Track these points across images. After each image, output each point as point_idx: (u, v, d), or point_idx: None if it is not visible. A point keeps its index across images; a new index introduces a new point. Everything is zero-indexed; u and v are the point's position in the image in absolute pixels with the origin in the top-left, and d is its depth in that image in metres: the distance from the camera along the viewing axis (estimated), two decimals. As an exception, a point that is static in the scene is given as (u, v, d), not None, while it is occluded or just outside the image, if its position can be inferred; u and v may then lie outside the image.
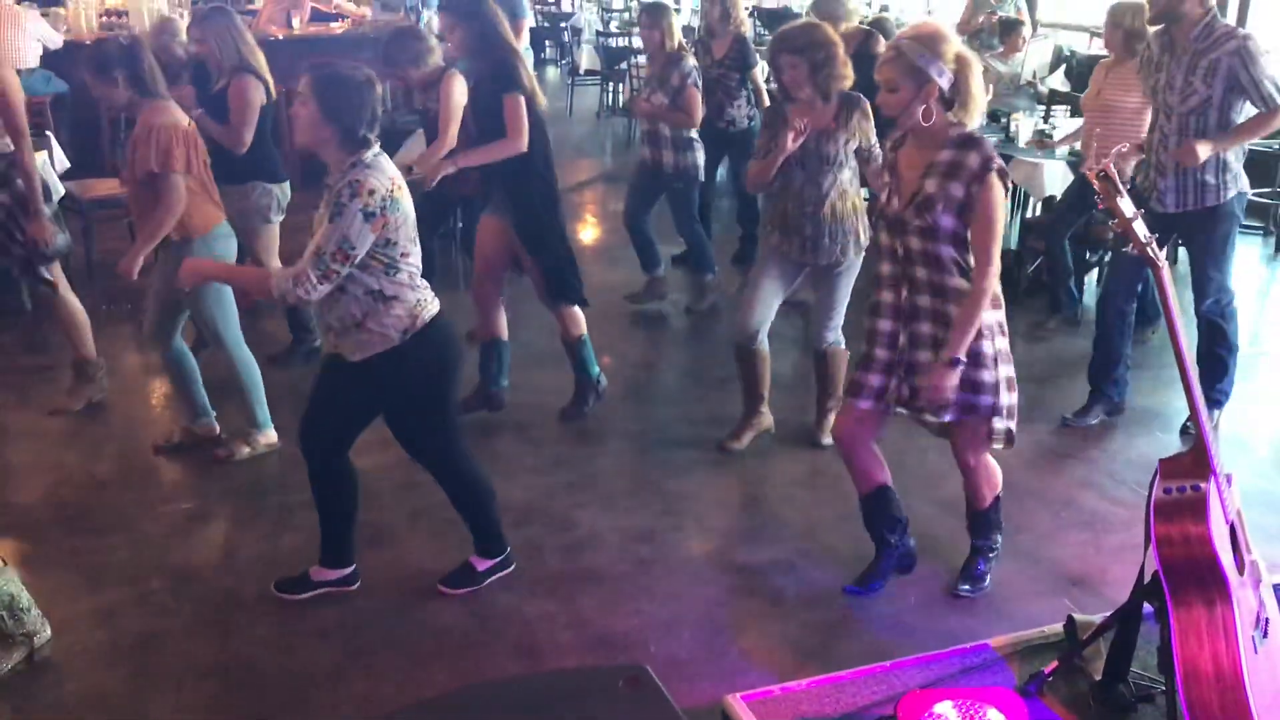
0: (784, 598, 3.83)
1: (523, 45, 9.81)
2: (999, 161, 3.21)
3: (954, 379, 3.29)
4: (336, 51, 8.30)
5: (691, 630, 3.62)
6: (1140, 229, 2.65)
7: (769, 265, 4.66)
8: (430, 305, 3.48)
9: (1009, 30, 8.54)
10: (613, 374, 5.67)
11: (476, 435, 4.95)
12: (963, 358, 3.29)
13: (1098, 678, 2.90)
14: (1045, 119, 7.36)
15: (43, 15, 8.91)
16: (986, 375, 3.37)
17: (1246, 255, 8.14)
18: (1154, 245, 2.68)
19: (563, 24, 15.29)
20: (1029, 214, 7.72)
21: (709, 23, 6.97)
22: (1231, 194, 4.74)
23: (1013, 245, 7.41)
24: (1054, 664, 2.94)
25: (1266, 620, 2.71)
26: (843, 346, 4.79)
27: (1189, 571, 2.55)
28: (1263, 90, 4.49)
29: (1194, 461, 2.64)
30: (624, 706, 2.46)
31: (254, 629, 3.61)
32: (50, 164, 5.96)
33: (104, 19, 9.66)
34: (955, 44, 3.24)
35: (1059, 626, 3.23)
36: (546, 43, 15.54)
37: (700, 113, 6.23)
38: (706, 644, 3.56)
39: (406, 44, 5.49)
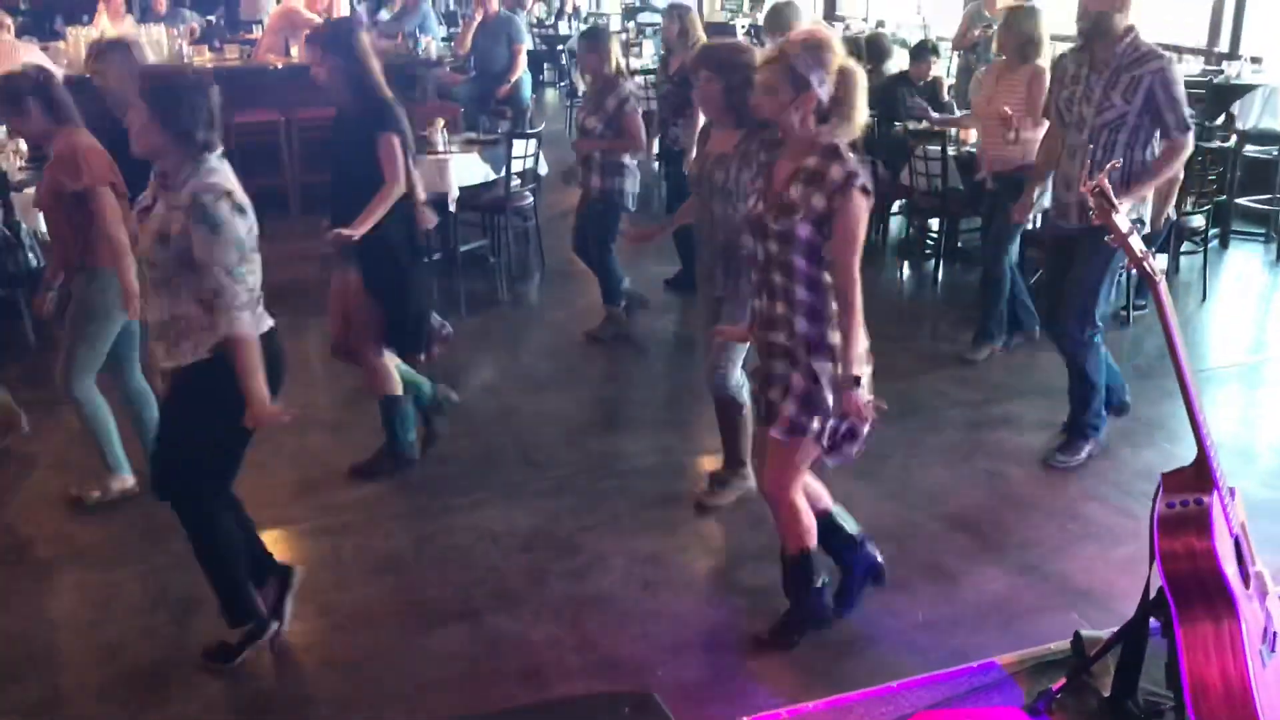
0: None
1: (520, 70, 9.91)
2: (863, 179, 3.11)
3: (860, 396, 3.18)
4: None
5: (699, 653, 3.61)
6: (1136, 243, 2.65)
7: (706, 304, 4.38)
8: (263, 321, 3.32)
9: (991, 45, 8.52)
10: (615, 398, 5.68)
11: (481, 462, 4.97)
12: (858, 373, 3.18)
13: (1106, 694, 2.89)
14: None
15: (42, 49, 8.97)
16: (822, 393, 3.26)
17: (1248, 262, 8.14)
18: (1150, 260, 2.67)
19: (560, 47, 15.35)
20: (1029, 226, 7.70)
21: (667, 39, 6.96)
22: (1131, 217, 4.60)
23: (1014, 259, 7.40)
24: (1062, 681, 2.92)
25: (1274, 634, 2.70)
26: (743, 399, 4.39)
27: (1194, 586, 2.53)
28: (1177, 113, 4.44)
29: (1196, 475, 2.63)
30: (631, 733, 2.46)
31: (260, 659, 3.60)
32: None
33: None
34: (841, 56, 3.15)
35: (1066, 643, 3.21)
36: (545, 65, 15.62)
37: (643, 136, 6.10)
38: (714, 666, 3.54)
39: None
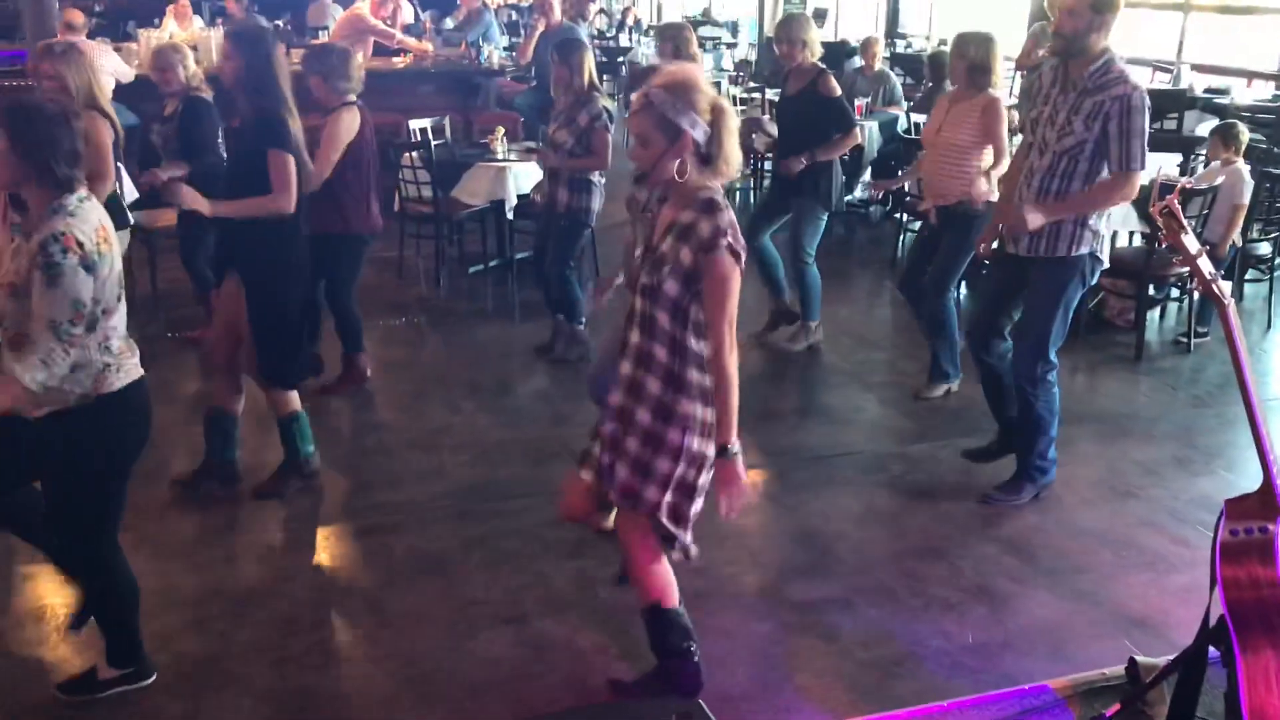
0: (839, 635, 3.79)
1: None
2: (730, 239, 2.89)
3: (737, 468, 3.02)
4: (397, 85, 8.45)
5: (745, 666, 3.60)
6: (1205, 266, 2.62)
7: (613, 316, 4.22)
8: (123, 373, 3.16)
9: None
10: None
11: (530, 464, 4.99)
12: (734, 447, 3.01)
13: (1161, 723, 2.84)
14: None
15: (115, 50, 9.16)
16: (664, 466, 3.05)
17: None
18: (1220, 282, 2.64)
19: (620, 59, 15.42)
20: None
21: (662, 58, 6.88)
22: (1084, 250, 4.35)
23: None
24: (1116, 707, 2.88)
25: (1337, 667, 2.64)
26: None
27: (1257, 616, 2.49)
28: (1126, 147, 4.13)
29: (1261, 502, 2.58)
30: (677, 741, 2.46)
31: (309, 656, 3.64)
32: (121, 195, 6.10)
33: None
34: (709, 94, 2.94)
35: (1120, 669, 3.16)
36: (604, 77, 15.68)
37: (609, 155, 5.95)
38: (760, 680, 3.53)
39: (326, 58, 5.32)
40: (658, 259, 2.98)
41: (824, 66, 6.20)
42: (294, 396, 4.64)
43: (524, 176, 7.41)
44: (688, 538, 3.16)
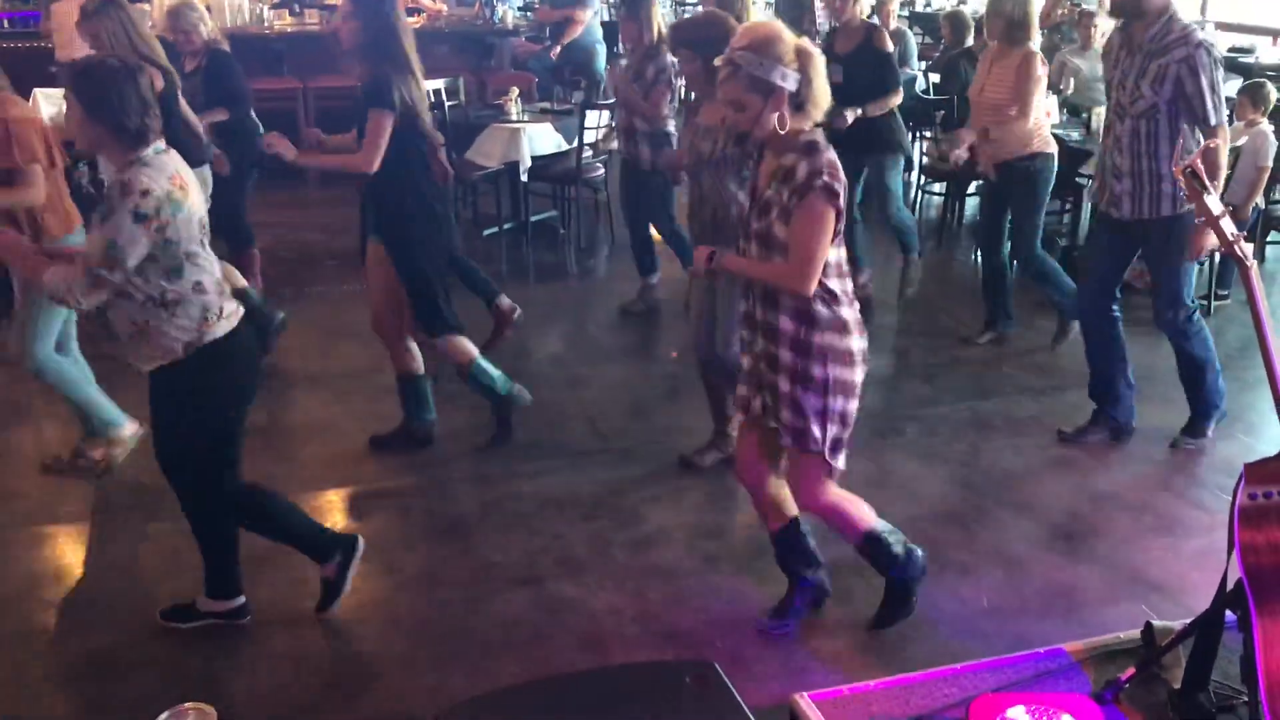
0: (852, 597, 3.79)
1: (576, 33, 9.71)
2: (826, 178, 2.94)
3: (702, 260, 3.22)
4: (412, 46, 8.36)
5: (758, 628, 3.60)
6: (1228, 227, 2.58)
7: (698, 278, 4.39)
8: (224, 319, 3.26)
9: (1080, 22, 8.32)
10: (681, 371, 5.67)
11: (547, 430, 4.99)
12: (720, 259, 3.20)
13: (1177, 686, 2.83)
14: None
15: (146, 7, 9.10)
16: (814, 402, 3.13)
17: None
18: (1242, 244, 2.60)
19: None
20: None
21: (705, 3, 6.80)
22: (1190, 205, 4.34)
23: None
24: (1131, 671, 2.87)
25: (1356, 632, 2.63)
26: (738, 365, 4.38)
27: (1275, 580, 2.47)
28: (1205, 105, 4.19)
29: (1281, 467, 2.56)
30: (691, 702, 2.47)
31: (328, 617, 3.66)
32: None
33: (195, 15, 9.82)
34: (790, 41, 2.97)
35: (1136, 633, 3.15)
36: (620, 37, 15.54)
37: (663, 110, 5.91)
38: (773, 642, 3.53)
39: None
40: (764, 205, 3.05)
41: (875, 22, 6.22)
42: (465, 344, 4.70)
43: (539, 138, 7.37)
44: (842, 464, 3.26)
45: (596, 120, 7.34)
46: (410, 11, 10.42)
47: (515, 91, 7.76)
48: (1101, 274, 4.79)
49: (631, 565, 3.98)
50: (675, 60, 5.78)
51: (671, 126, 6.06)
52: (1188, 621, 2.89)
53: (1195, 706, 2.76)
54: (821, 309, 3.07)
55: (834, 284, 3.08)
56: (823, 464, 3.22)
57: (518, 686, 2.97)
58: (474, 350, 4.74)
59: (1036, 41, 5.48)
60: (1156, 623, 3.09)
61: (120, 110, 3.02)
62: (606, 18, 11.15)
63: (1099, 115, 6.87)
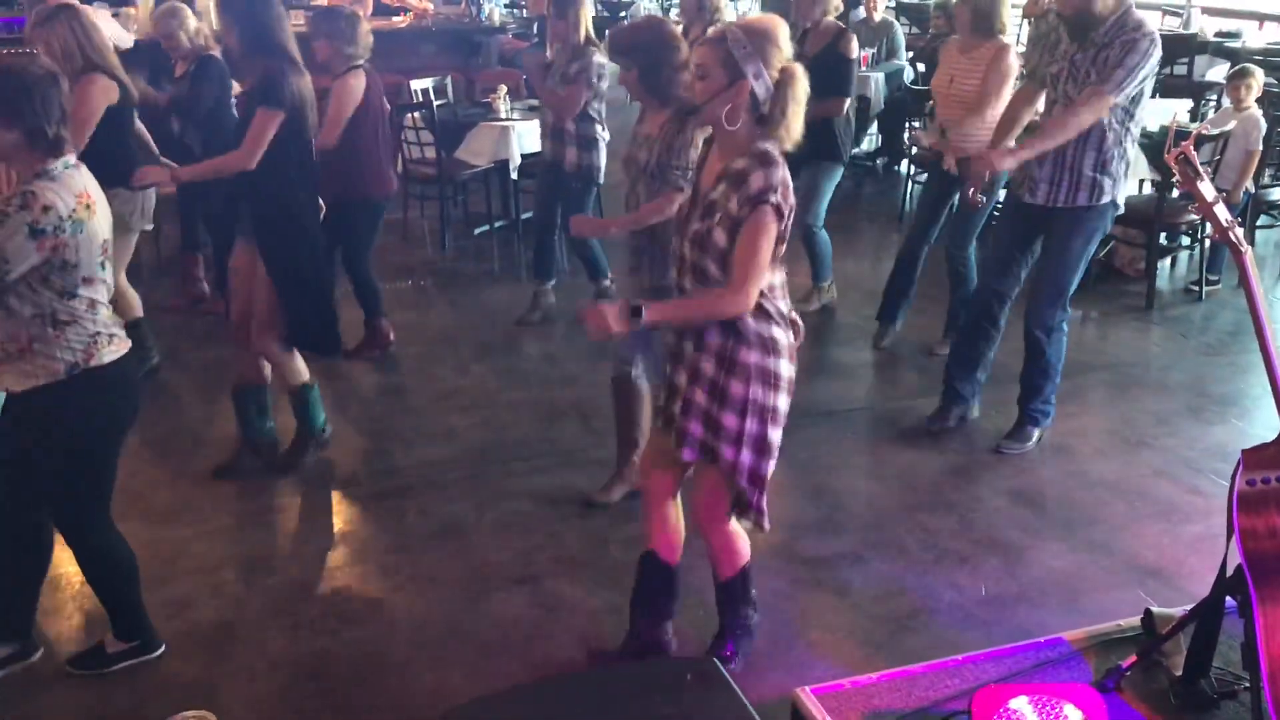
0: (851, 590, 3.79)
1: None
2: (778, 197, 2.77)
3: (615, 321, 2.77)
4: (398, 45, 8.37)
5: (758, 623, 3.59)
6: (1222, 213, 2.58)
7: (622, 288, 4.31)
8: (112, 346, 3.09)
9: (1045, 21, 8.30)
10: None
11: (542, 428, 4.98)
12: (646, 315, 2.79)
13: (1178, 673, 2.82)
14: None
15: (113, 15, 9.06)
16: (730, 421, 2.93)
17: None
18: (1236, 229, 2.60)
19: (622, 14, 15.26)
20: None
21: (685, 12, 6.68)
22: (1106, 199, 4.37)
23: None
24: (1132, 659, 2.86)
25: (1356, 615, 2.63)
26: (644, 385, 4.22)
27: (1275, 565, 2.47)
28: (1116, 71, 4.12)
29: (1279, 452, 2.56)
30: (693, 700, 2.45)
31: (322, 620, 3.64)
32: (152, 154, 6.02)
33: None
34: (783, 51, 2.82)
35: (1136, 620, 3.15)
36: (607, 33, 15.51)
37: (576, 108, 5.73)
38: (773, 636, 3.53)
39: (332, 20, 5.25)
40: (708, 206, 2.88)
41: (844, 25, 6.11)
42: (303, 367, 4.54)
43: (528, 135, 7.34)
44: (763, 502, 3.05)
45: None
46: (396, 10, 10.41)
47: (503, 89, 7.74)
48: (1002, 262, 4.71)
49: (628, 562, 3.92)
50: (603, 63, 5.77)
51: (598, 131, 5.93)
52: (1188, 608, 2.88)
53: (1197, 693, 2.76)
54: (752, 325, 2.90)
55: (769, 303, 2.92)
56: (726, 488, 3.04)
57: (519, 687, 2.96)
58: (305, 375, 4.55)
59: (1006, 33, 5.39)
60: (1156, 610, 3.09)
61: (41, 116, 2.87)
62: (593, 12, 11.11)
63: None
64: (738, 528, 3.20)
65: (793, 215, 2.84)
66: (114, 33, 8.47)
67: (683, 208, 3.08)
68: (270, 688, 3.34)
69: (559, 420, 5.09)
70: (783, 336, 2.95)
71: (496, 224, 7.86)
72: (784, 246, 2.88)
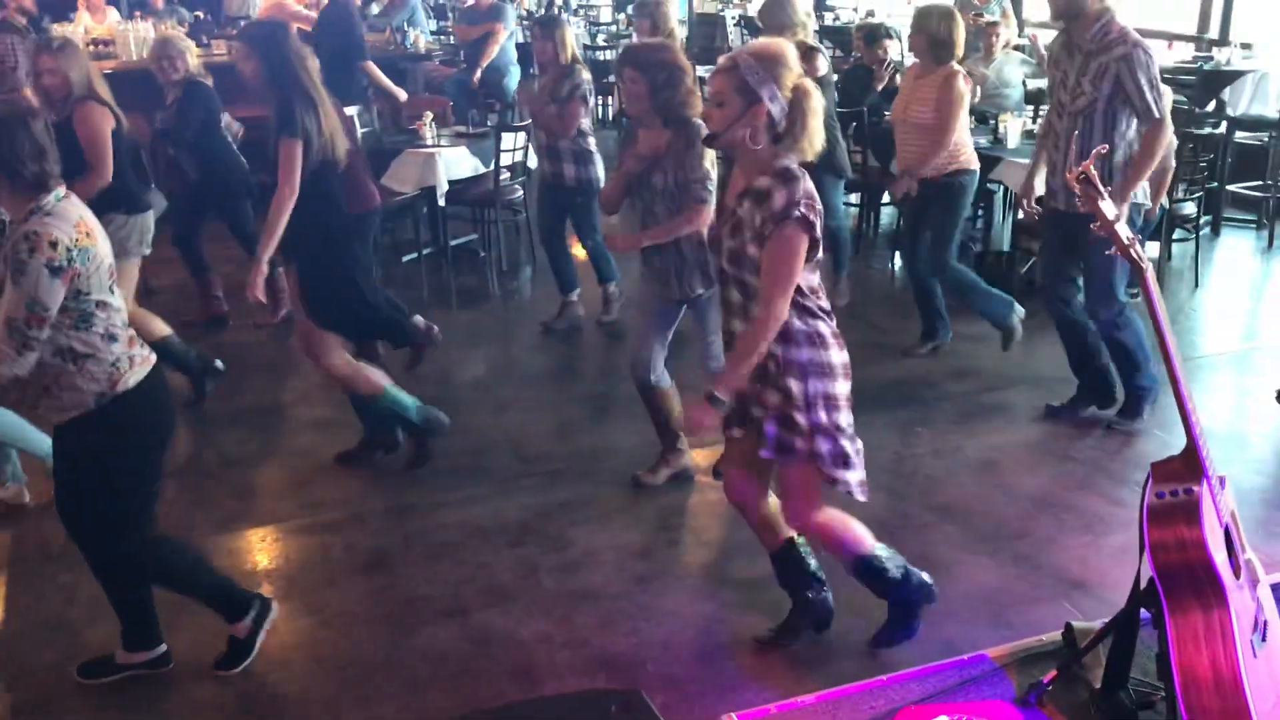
0: (782, 611, 3.77)
1: (492, 55, 9.69)
2: (803, 209, 2.93)
3: (709, 417, 3.10)
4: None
5: (690, 648, 3.59)
6: (1123, 230, 2.63)
7: (643, 298, 4.51)
8: (137, 367, 3.16)
9: (984, 33, 8.47)
10: (607, 392, 5.66)
11: (471, 457, 4.94)
12: (723, 396, 3.08)
13: (1097, 686, 2.87)
14: (1034, 119, 7.34)
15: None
16: (799, 417, 3.11)
17: (1240, 249, 8.13)
18: (1137, 246, 2.66)
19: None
20: (1020, 215, 7.69)
21: (640, 35, 6.83)
22: (1133, 200, 4.65)
23: (1005, 247, 7.40)
24: (1053, 673, 2.91)
25: (1265, 623, 2.68)
26: (666, 383, 4.55)
27: (1184, 577, 2.52)
28: (1145, 99, 4.41)
29: (1185, 464, 2.61)
30: (618, 731, 2.45)
31: (249, 661, 3.57)
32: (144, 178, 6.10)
33: (91, 48, 9.65)
34: (795, 71, 2.99)
35: (1058, 634, 3.19)
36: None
37: (575, 126, 5.95)
38: (706, 661, 3.52)
39: None
40: (736, 223, 3.05)
41: (814, 45, 6.29)
42: (362, 375, 4.68)
43: (454, 162, 7.32)
44: (854, 477, 3.21)
45: (512, 142, 7.31)
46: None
47: (429, 116, 7.70)
48: (1054, 268, 4.95)
49: (560, 591, 3.94)
50: (589, 79, 5.96)
51: (592, 144, 6.10)
52: (1105, 622, 2.93)
53: (1116, 705, 2.80)
54: (798, 324, 3.08)
55: (811, 302, 3.11)
56: (812, 480, 3.21)
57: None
58: (384, 380, 4.71)
59: (958, 60, 5.51)
60: (1077, 623, 3.14)
61: (12, 156, 2.91)
62: (521, 39, 11.12)
63: (1004, 121, 7.00)
64: (833, 516, 3.34)
65: (820, 218, 2.99)
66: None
67: (713, 226, 3.27)
68: (193, 731, 3.27)
69: (490, 448, 5.06)
70: (828, 329, 3.14)
71: (425, 251, 7.80)
72: (819, 250, 3.04)
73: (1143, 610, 2.73)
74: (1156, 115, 4.44)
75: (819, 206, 2.99)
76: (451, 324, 6.46)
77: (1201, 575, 2.50)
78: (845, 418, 3.19)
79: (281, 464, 4.88)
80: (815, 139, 3.01)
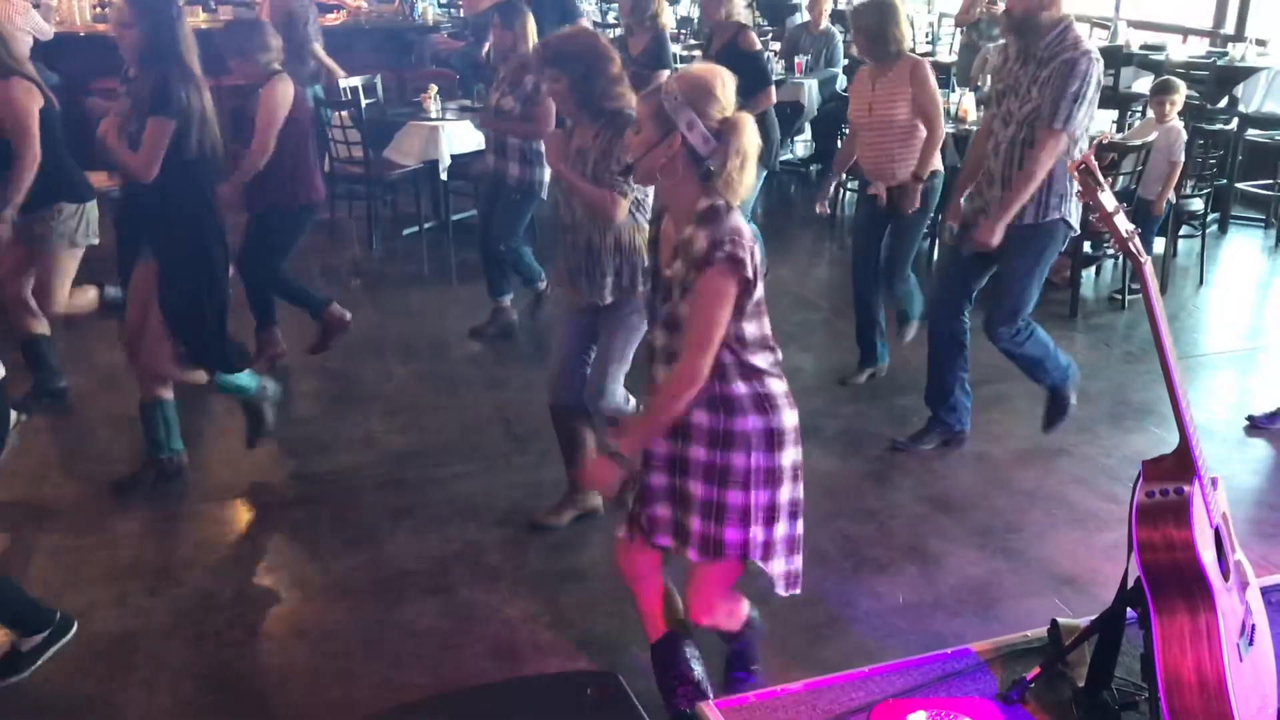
0: (770, 598, 3.74)
1: None
2: (729, 247, 2.55)
3: (610, 474, 2.74)
4: (329, 43, 8.24)
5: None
6: (1122, 223, 2.59)
7: (561, 311, 4.22)
8: None
9: (998, 21, 8.34)
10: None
11: (463, 434, 4.92)
12: (625, 450, 2.73)
13: (1081, 684, 2.84)
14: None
15: (34, 6, 8.86)
16: (735, 498, 2.72)
17: (1247, 247, 8.08)
18: (1136, 240, 2.61)
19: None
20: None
21: (622, 15, 6.73)
22: (1054, 216, 4.37)
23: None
24: (1036, 670, 2.87)
25: (1252, 627, 2.65)
26: (627, 407, 4.01)
27: (1172, 577, 2.48)
28: (1053, 106, 4.15)
29: (1177, 464, 2.57)
30: (593, 714, 2.42)
31: (230, 631, 3.57)
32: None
33: (96, 9, 9.60)
34: (724, 102, 2.63)
35: (1043, 631, 3.16)
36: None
37: (551, 123, 5.43)
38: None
39: (238, 35, 5.15)
40: (666, 287, 2.70)
41: (745, 23, 6.14)
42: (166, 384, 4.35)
43: (458, 136, 7.28)
44: (786, 567, 2.84)
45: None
46: (330, 8, 10.27)
47: (434, 89, 7.66)
48: (954, 281, 4.69)
49: (546, 570, 3.92)
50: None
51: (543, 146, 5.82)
52: (1091, 620, 2.90)
53: (1099, 704, 2.77)
54: (742, 388, 2.70)
55: (757, 358, 2.72)
56: (730, 575, 2.90)
57: (418, 702, 2.91)
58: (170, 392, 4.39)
59: (909, 49, 5.20)
60: (1062, 620, 3.10)
61: None
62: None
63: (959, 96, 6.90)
64: (736, 605, 3.09)
65: (755, 259, 2.62)
66: (34, 25, 8.30)
67: (646, 293, 2.90)
68: (171, 701, 3.26)
69: (482, 425, 5.03)
70: (778, 386, 2.76)
71: (426, 225, 7.77)
72: (758, 293, 2.66)
73: (1129, 610, 2.70)
74: (1055, 125, 4.16)
75: (747, 243, 2.60)
76: (452, 298, 6.46)
77: (1189, 576, 2.47)
78: (784, 494, 2.80)
79: (272, 435, 4.84)
80: (738, 180, 2.63)
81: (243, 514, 4.33)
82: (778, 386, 2.76)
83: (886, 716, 2.54)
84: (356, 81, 7.83)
